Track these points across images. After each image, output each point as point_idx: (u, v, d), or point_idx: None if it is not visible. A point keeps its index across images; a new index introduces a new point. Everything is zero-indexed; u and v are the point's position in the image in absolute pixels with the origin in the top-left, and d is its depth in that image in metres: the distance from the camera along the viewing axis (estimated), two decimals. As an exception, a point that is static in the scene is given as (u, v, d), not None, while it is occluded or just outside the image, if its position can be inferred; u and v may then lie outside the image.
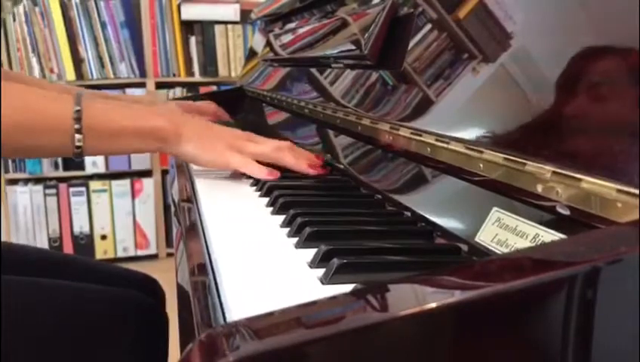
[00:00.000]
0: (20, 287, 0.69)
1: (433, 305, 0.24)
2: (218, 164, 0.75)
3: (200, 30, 2.51)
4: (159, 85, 2.48)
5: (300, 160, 0.75)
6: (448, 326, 0.25)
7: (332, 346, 0.24)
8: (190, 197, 0.71)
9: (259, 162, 0.74)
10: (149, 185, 2.49)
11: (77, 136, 0.66)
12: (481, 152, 0.46)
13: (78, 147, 0.67)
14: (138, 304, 0.77)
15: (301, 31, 1.08)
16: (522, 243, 0.40)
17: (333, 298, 0.26)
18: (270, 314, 0.26)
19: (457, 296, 0.25)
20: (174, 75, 2.50)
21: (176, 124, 0.73)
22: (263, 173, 0.72)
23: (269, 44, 1.30)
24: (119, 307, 0.74)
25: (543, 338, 0.26)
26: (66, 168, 2.41)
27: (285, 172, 0.75)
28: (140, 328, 0.74)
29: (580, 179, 0.36)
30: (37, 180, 2.40)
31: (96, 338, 0.69)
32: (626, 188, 0.33)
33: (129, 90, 2.42)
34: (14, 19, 2.33)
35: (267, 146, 0.76)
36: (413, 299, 0.27)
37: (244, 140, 0.76)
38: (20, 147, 0.67)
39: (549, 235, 0.38)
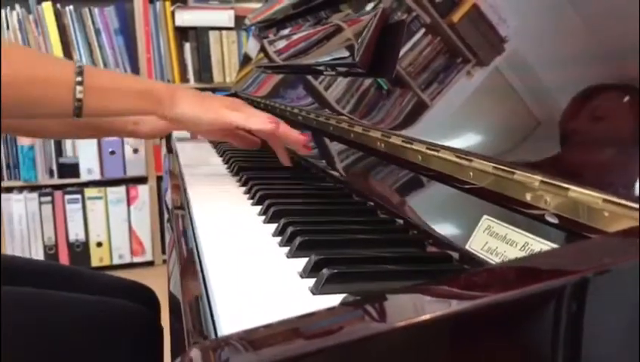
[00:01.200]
0: (17, 298, 0.69)
1: (431, 315, 0.24)
2: (219, 122, 0.76)
3: (194, 36, 2.51)
4: (154, 92, 2.48)
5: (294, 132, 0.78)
6: (446, 336, 0.25)
7: (325, 359, 0.24)
8: (183, 206, 0.71)
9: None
10: (144, 191, 2.49)
11: (78, 88, 0.67)
12: (471, 161, 0.46)
13: (79, 100, 0.67)
14: (134, 315, 0.76)
15: (294, 37, 1.08)
16: (512, 252, 0.40)
17: (330, 309, 0.26)
18: (261, 328, 0.26)
19: (455, 306, 0.25)
20: (169, 81, 2.50)
21: (172, 88, 0.77)
22: (265, 122, 0.75)
23: (263, 50, 1.31)
24: (115, 318, 0.74)
25: (535, 348, 0.27)
26: (61, 176, 2.41)
27: (277, 179, 0.75)
28: (135, 338, 0.73)
29: (567, 189, 0.36)
30: (32, 188, 2.40)
31: (92, 349, 0.69)
32: (612, 198, 0.33)
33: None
34: (8, 27, 2.33)
35: (262, 113, 0.79)
36: (411, 309, 0.27)
37: (239, 103, 0.79)
38: (22, 98, 0.66)
39: (539, 244, 0.38)
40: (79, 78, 0.67)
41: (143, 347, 0.75)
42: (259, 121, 0.76)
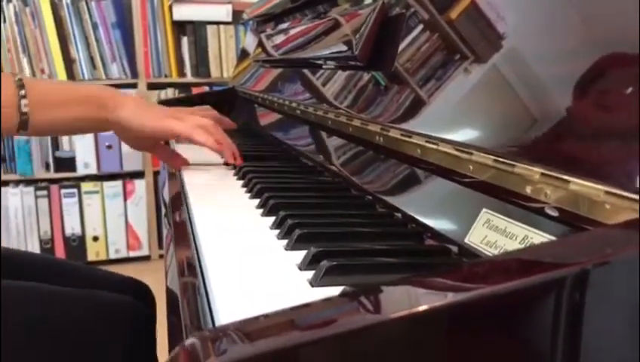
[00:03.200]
0: (8, 291, 0.68)
1: (426, 307, 0.24)
2: (160, 129, 0.76)
3: (192, 31, 2.51)
4: (151, 86, 2.47)
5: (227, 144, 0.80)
6: (441, 328, 0.25)
7: (321, 349, 0.24)
8: (180, 199, 0.71)
9: None
10: (140, 186, 2.48)
11: (23, 101, 0.66)
12: (471, 154, 0.46)
13: (24, 114, 0.66)
14: (128, 309, 0.76)
15: (293, 32, 1.08)
16: (511, 245, 0.40)
17: (326, 300, 0.26)
18: (258, 318, 0.26)
19: (451, 298, 0.25)
20: (166, 76, 2.49)
21: (113, 92, 0.77)
22: (210, 140, 0.76)
23: (260, 44, 1.30)
24: (109, 312, 0.74)
25: (533, 340, 0.26)
26: (57, 169, 2.40)
27: (275, 172, 0.75)
28: (129, 333, 0.73)
29: (568, 181, 0.36)
30: (28, 182, 2.39)
31: (86, 343, 0.69)
32: (613, 190, 0.33)
33: (121, 91, 2.40)
34: (4, 20, 2.31)
35: (206, 121, 0.79)
36: (406, 301, 0.27)
37: (182, 112, 0.79)
38: None
39: (539, 237, 0.38)
40: (22, 92, 0.67)
41: (138, 341, 0.75)
42: (203, 135, 0.76)
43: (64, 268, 0.88)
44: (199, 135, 0.76)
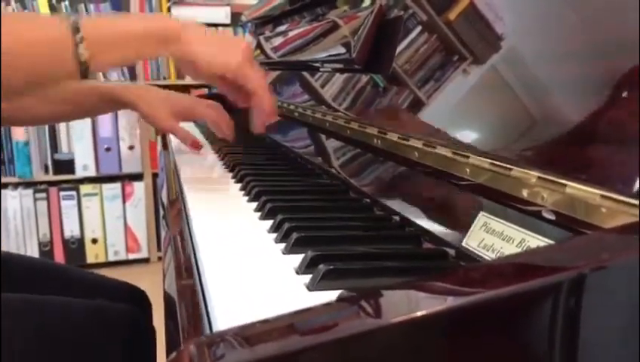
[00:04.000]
0: (6, 302, 0.68)
1: (426, 311, 0.24)
2: (235, 71, 0.69)
3: (191, 33, 2.50)
4: (150, 88, 2.47)
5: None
6: (441, 332, 0.25)
7: (319, 354, 0.24)
8: (178, 202, 0.71)
9: None
10: (139, 188, 2.48)
11: (80, 46, 0.60)
12: (468, 157, 0.46)
13: (83, 63, 0.61)
14: (124, 316, 0.76)
15: (291, 34, 1.08)
16: (509, 248, 0.40)
17: (326, 305, 0.26)
18: (255, 324, 0.26)
19: (450, 302, 0.25)
20: (165, 78, 2.49)
21: (180, 23, 0.68)
22: (270, 107, 0.72)
23: (259, 46, 1.30)
24: (105, 320, 0.73)
25: (531, 344, 0.26)
26: (56, 172, 2.40)
27: (273, 175, 0.75)
28: (126, 341, 0.73)
29: (564, 185, 0.36)
30: (27, 184, 2.39)
31: (82, 352, 0.68)
32: (610, 194, 0.33)
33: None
34: (3, 23, 2.31)
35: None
36: (406, 305, 0.27)
37: (253, 62, 0.71)
38: (24, 66, 0.60)
39: (535, 240, 0.38)
40: (79, 35, 0.60)
41: (135, 349, 0.74)
42: (267, 100, 0.71)
43: (60, 274, 0.87)
44: (267, 99, 0.71)
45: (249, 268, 0.46)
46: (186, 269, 0.48)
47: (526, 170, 0.39)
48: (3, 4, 2.30)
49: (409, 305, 0.26)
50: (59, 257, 2.41)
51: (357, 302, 0.26)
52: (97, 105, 0.96)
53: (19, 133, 2.33)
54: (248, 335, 0.25)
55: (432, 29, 0.61)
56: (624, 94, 0.36)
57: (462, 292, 0.26)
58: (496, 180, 0.43)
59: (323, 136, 0.82)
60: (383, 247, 0.50)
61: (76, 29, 0.61)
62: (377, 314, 0.26)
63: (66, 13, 0.67)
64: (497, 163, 0.42)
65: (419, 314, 0.24)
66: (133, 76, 2.45)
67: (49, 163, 2.40)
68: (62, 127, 2.40)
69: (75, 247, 2.43)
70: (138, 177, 2.50)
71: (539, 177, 0.38)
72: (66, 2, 2.35)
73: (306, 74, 0.96)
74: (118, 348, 0.71)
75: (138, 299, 0.91)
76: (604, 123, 0.37)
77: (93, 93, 0.94)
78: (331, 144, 0.78)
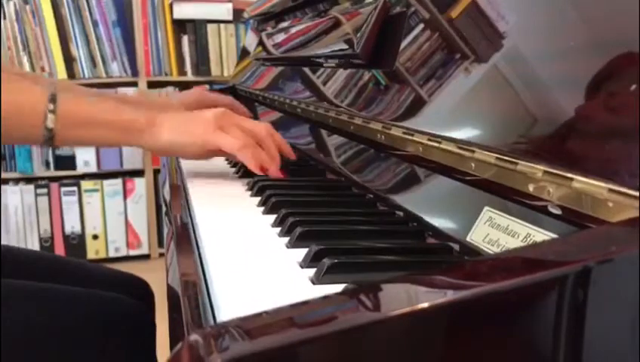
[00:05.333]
0: (9, 290, 0.68)
1: (426, 304, 0.24)
2: (205, 149, 0.70)
3: (192, 29, 2.50)
4: (151, 84, 2.47)
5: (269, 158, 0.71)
6: (441, 325, 0.25)
7: (323, 347, 0.24)
8: (181, 197, 0.71)
9: None
10: (140, 184, 2.48)
11: (50, 116, 0.64)
12: (473, 152, 0.46)
13: (50, 130, 0.64)
14: (128, 308, 0.76)
15: (293, 30, 1.08)
16: (514, 243, 0.40)
17: (326, 297, 0.26)
18: (260, 315, 0.26)
19: (450, 295, 0.25)
20: (166, 74, 2.49)
21: (152, 116, 0.70)
22: (253, 162, 0.69)
23: (261, 43, 1.30)
24: (109, 311, 0.73)
25: (534, 338, 0.26)
26: (57, 168, 2.40)
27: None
28: (127, 332, 0.73)
29: (571, 179, 0.36)
30: (28, 180, 2.39)
31: (85, 343, 0.69)
32: (617, 188, 0.33)
33: (121, 89, 2.41)
34: (5, 18, 2.31)
35: (258, 125, 0.72)
36: (406, 298, 0.27)
37: (228, 120, 0.71)
38: None
39: (541, 235, 0.38)
40: (51, 106, 0.64)
41: (137, 340, 0.74)
42: (248, 156, 0.69)
43: (61, 265, 0.87)
44: (244, 155, 0.69)
45: (253, 262, 0.46)
46: (190, 263, 0.48)
47: (532, 165, 0.39)
48: (5, 0, 2.30)
49: (410, 298, 0.26)
50: (59, 253, 2.40)
51: (358, 295, 0.26)
52: None
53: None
54: (252, 326, 0.25)
55: (437, 23, 0.60)
56: (630, 89, 0.35)
57: (464, 285, 0.26)
58: (501, 175, 0.42)
59: (326, 133, 0.82)
60: (387, 242, 0.50)
61: (52, 99, 0.64)
62: (377, 307, 0.26)
63: (51, 80, 0.73)
64: (503, 157, 0.42)
65: (419, 307, 0.24)
66: (135, 73, 2.44)
67: (50, 159, 2.39)
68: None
69: (76, 243, 2.43)
70: (139, 173, 2.50)
71: (545, 171, 0.38)
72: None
73: (308, 70, 0.95)
74: (118, 339, 0.71)
75: (143, 291, 0.91)
76: (610, 117, 0.37)
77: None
78: (334, 140, 0.78)
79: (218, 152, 0.71)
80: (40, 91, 0.65)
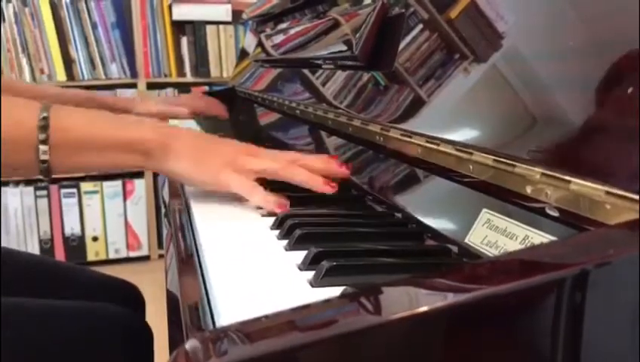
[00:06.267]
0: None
1: (426, 308, 0.24)
2: (215, 187, 0.63)
3: (191, 30, 2.51)
4: (150, 86, 2.47)
5: (314, 176, 0.62)
6: (441, 329, 0.25)
7: (323, 351, 0.24)
8: (180, 200, 0.71)
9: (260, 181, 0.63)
10: (140, 186, 2.48)
11: (42, 148, 0.56)
12: (471, 154, 0.46)
13: (44, 161, 0.57)
14: (116, 318, 0.73)
15: (292, 31, 1.08)
16: (512, 245, 0.40)
17: (326, 301, 0.26)
18: (259, 319, 0.26)
19: (450, 299, 0.25)
20: (166, 76, 2.49)
21: (164, 135, 0.62)
22: (270, 203, 0.60)
23: (260, 44, 1.30)
24: (97, 323, 0.71)
25: (533, 341, 0.26)
26: (56, 169, 2.40)
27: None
28: (115, 342, 0.71)
29: (568, 181, 0.36)
30: (28, 181, 2.39)
31: (69, 356, 0.67)
32: (614, 190, 0.33)
33: (120, 91, 2.41)
34: (4, 20, 2.31)
35: (275, 161, 0.63)
36: (407, 302, 0.27)
37: (244, 155, 0.63)
38: None
39: (539, 237, 0.38)
40: (42, 136, 0.56)
41: (127, 350, 0.73)
42: (262, 199, 0.60)
43: (49, 271, 0.85)
44: (256, 198, 0.61)
45: (252, 265, 0.46)
46: (189, 266, 0.49)
47: (530, 167, 0.39)
48: (4, 2, 2.30)
49: (410, 301, 0.26)
50: (59, 255, 2.41)
51: (358, 299, 0.26)
52: None
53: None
54: (251, 330, 0.25)
55: (435, 25, 0.60)
56: (628, 91, 0.35)
57: (464, 288, 0.26)
58: (499, 177, 0.42)
59: (325, 134, 0.82)
60: (385, 244, 0.50)
61: (44, 128, 0.57)
62: (378, 310, 0.26)
63: (45, 104, 0.59)
64: (501, 160, 0.42)
65: (419, 310, 0.24)
66: (134, 74, 2.44)
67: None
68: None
69: (76, 245, 2.43)
70: (139, 175, 2.50)
71: (543, 173, 0.38)
72: (67, 0, 2.35)
73: (307, 71, 0.95)
74: (111, 351, 0.69)
75: (133, 296, 0.90)
76: (609, 119, 0.37)
77: (90, 103, 0.96)
78: (333, 142, 0.78)
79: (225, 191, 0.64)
80: (29, 117, 0.57)
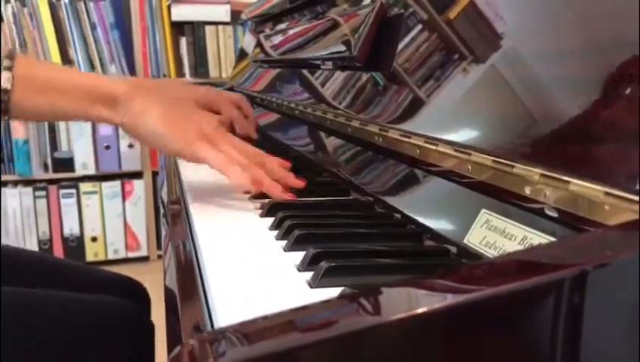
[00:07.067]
0: (7, 297, 0.67)
1: (425, 309, 0.24)
2: (188, 157, 0.60)
3: (190, 31, 2.50)
4: (150, 86, 2.47)
5: (275, 183, 0.62)
6: (440, 329, 0.25)
7: (322, 351, 0.24)
8: (179, 200, 0.71)
9: None
10: (139, 186, 2.48)
11: (4, 74, 0.53)
12: (470, 154, 0.46)
13: (5, 91, 0.53)
14: (124, 311, 0.75)
15: (291, 32, 1.08)
16: (511, 246, 0.40)
17: (324, 302, 0.26)
18: (257, 320, 0.26)
19: (449, 299, 0.25)
20: (165, 76, 2.49)
21: (135, 88, 0.57)
22: (246, 179, 0.58)
23: (259, 44, 1.30)
24: (104, 315, 0.73)
25: (532, 342, 0.26)
26: (55, 170, 2.40)
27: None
28: (124, 336, 0.72)
29: (567, 182, 0.36)
30: (26, 182, 2.38)
31: (80, 348, 0.68)
32: (613, 191, 0.33)
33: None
34: (2, 20, 2.31)
35: (243, 154, 0.61)
36: (406, 302, 0.27)
37: (221, 132, 0.60)
38: None
39: (538, 237, 0.38)
40: (7, 63, 0.53)
41: (134, 344, 0.74)
42: (238, 174, 0.58)
43: (59, 268, 0.87)
44: (235, 176, 0.59)
45: (250, 265, 0.46)
46: (187, 266, 0.48)
47: (529, 167, 0.39)
48: (2, 3, 2.30)
49: (409, 302, 0.26)
50: (58, 255, 2.40)
51: (356, 299, 0.26)
52: None
53: (19, 132, 2.33)
54: (249, 331, 0.25)
55: (434, 25, 0.60)
56: (626, 91, 0.35)
57: (463, 289, 0.26)
58: (498, 178, 0.42)
59: (323, 134, 0.82)
60: (384, 245, 0.50)
61: (10, 57, 0.54)
62: (376, 311, 0.26)
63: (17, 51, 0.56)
64: (500, 160, 0.42)
65: (418, 311, 0.24)
66: (133, 75, 2.44)
67: (49, 161, 2.39)
68: (61, 125, 2.40)
69: (75, 245, 2.43)
70: (138, 175, 2.49)
71: (542, 174, 0.38)
72: (66, 0, 2.35)
73: (306, 72, 0.95)
74: (116, 343, 0.70)
75: (139, 293, 0.90)
76: (607, 119, 0.37)
77: None
78: (332, 142, 0.78)
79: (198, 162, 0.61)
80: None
